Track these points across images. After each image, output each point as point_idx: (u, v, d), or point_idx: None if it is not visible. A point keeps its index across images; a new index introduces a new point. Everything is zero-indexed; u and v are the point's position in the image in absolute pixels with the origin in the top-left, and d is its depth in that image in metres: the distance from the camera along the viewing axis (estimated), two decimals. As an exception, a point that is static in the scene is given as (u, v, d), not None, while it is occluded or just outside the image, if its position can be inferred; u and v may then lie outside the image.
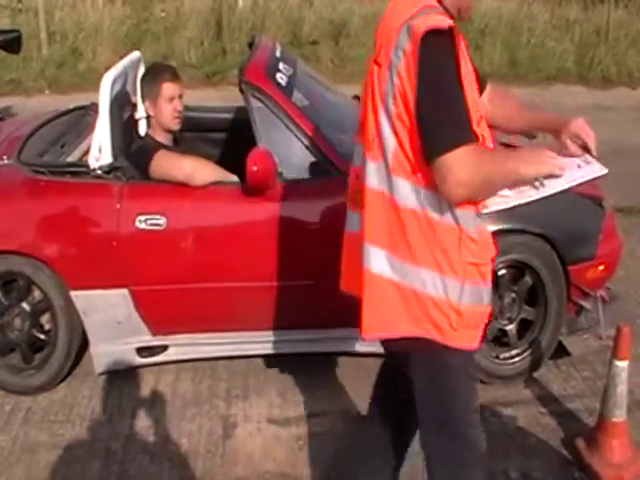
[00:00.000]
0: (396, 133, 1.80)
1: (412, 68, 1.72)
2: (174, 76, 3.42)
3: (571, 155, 1.96)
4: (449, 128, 1.71)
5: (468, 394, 2.03)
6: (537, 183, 1.87)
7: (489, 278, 1.90)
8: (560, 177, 1.87)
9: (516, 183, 1.85)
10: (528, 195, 1.89)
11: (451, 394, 2.00)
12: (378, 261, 1.87)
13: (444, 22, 1.72)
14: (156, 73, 3.44)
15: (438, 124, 1.72)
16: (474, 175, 1.70)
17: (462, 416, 2.02)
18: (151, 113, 3.41)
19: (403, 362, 2.03)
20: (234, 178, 3.21)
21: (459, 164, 1.68)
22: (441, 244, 1.81)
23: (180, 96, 3.41)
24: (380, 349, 3.48)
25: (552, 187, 1.88)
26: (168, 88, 3.37)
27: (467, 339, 1.90)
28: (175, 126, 3.43)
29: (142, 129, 3.72)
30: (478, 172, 1.70)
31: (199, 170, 3.16)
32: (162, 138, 3.44)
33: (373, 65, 1.86)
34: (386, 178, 1.84)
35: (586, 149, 1.97)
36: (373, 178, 1.87)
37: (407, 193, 1.81)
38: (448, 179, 1.69)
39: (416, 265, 1.83)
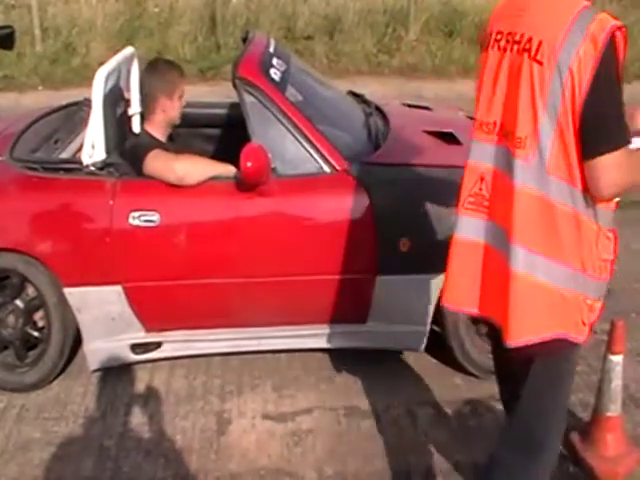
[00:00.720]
0: (560, 132, 1.79)
1: (588, 70, 1.73)
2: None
3: None
4: (614, 130, 1.78)
5: (568, 396, 2.11)
6: None
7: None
8: None
9: None
10: None
11: (561, 393, 2.06)
12: (528, 263, 1.86)
13: (617, 24, 1.75)
14: (174, 69, 3.51)
15: (604, 125, 1.77)
16: (626, 176, 1.79)
17: (560, 419, 2.08)
18: (162, 108, 3.42)
19: (521, 368, 2.02)
20: (230, 169, 3.18)
21: (615, 165, 1.75)
22: (585, 242, 1.86)
23: None
24: (374, 345, 3.49)
25: None
26: (183, 84, 3.47)
27: (586, 332, 1.95)
28: (178, 121, 3.51)
29: (136, 125, 3.71)
30: (629, 173, 1.80)
31: (191, 172, 3.15)
32: (160, 134, 3.45)
33: (530, 61, 1.81)
34: (540, 178, 1.83)
35: None
36: (523, 178, 1.85)
37: (562, 193, 1.83)
38: (603, 179, 1.76)
39: (565, 265, 1.86)
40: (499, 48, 1.92)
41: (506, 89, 1.89)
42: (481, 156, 1.99)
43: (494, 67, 1.94)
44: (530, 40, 1.81)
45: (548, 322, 1.89)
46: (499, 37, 1.93)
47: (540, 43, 1.79)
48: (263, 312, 3.34)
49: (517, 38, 1.86)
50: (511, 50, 1.87)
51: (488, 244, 1.98)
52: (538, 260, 1.86)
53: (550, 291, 1.87)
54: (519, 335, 1.90)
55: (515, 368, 2.04)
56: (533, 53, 1.80)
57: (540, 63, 1.79)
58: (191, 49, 9.68)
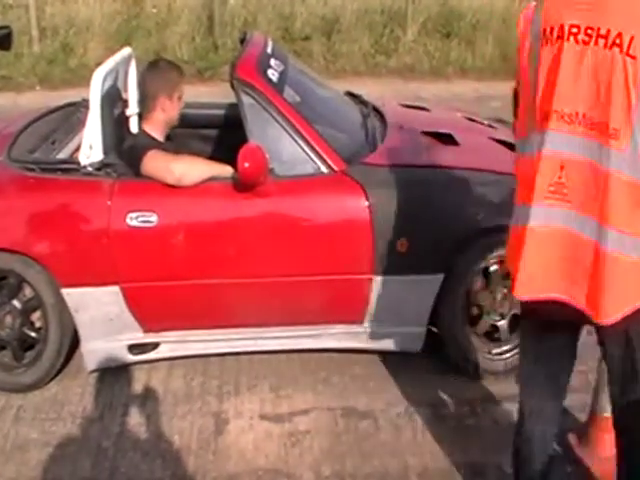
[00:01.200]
0: None
1: None
2: None
3: None
4: None
5: None
6: None
7: None
8: None
9: None
10: None
11: None
12: (619, 243, 1.96)
13: None
14: (174, 68, 3.51)
15: None
16: None
17: None
18: (161, 107, 3.41)
19: (623, 341, 2.11)
20: (228, 170, 3.18)
21: None
22: None
23: None
24: (371, 345, 3.49)
25: None
26: (183, 84, 3.47)
27: None
28: (177, 122, 3.51)
29: (133, 126, 3.71)
30: None
31: (189, 172, 3.14)
32: (158, 134, 3.44)
33: (623, 56, 1.88)
34: (633, 164, 1.93)
35: None
36: (618, 165, 1.93)
37: None
38: None
39: None
40: (577, 42, 1.97)
41: (594, 82, 1.95)
42: (560, 145, 2.03)
43: (574, 60, 1.98)
44: (620, 35, 1.89)
45: (636, 293, 2.01)
46: (575, 30, 1.97)
47: (632, 38, 1.87)
48: (261, 313, 3.34)
49: (602, 32, 1.92)
50: (595, 44, 1.93)
51: (572, 230, 2.03)
52: (627, 239, 1.96)
53: (637, 265, 1.98)
54: (611, 312, 2.00)
55: (614, 351, 2.15)
56: (625, 48, 1.88)
57: (634, 57, 1.87)
58: (189, 50, 9.68)
